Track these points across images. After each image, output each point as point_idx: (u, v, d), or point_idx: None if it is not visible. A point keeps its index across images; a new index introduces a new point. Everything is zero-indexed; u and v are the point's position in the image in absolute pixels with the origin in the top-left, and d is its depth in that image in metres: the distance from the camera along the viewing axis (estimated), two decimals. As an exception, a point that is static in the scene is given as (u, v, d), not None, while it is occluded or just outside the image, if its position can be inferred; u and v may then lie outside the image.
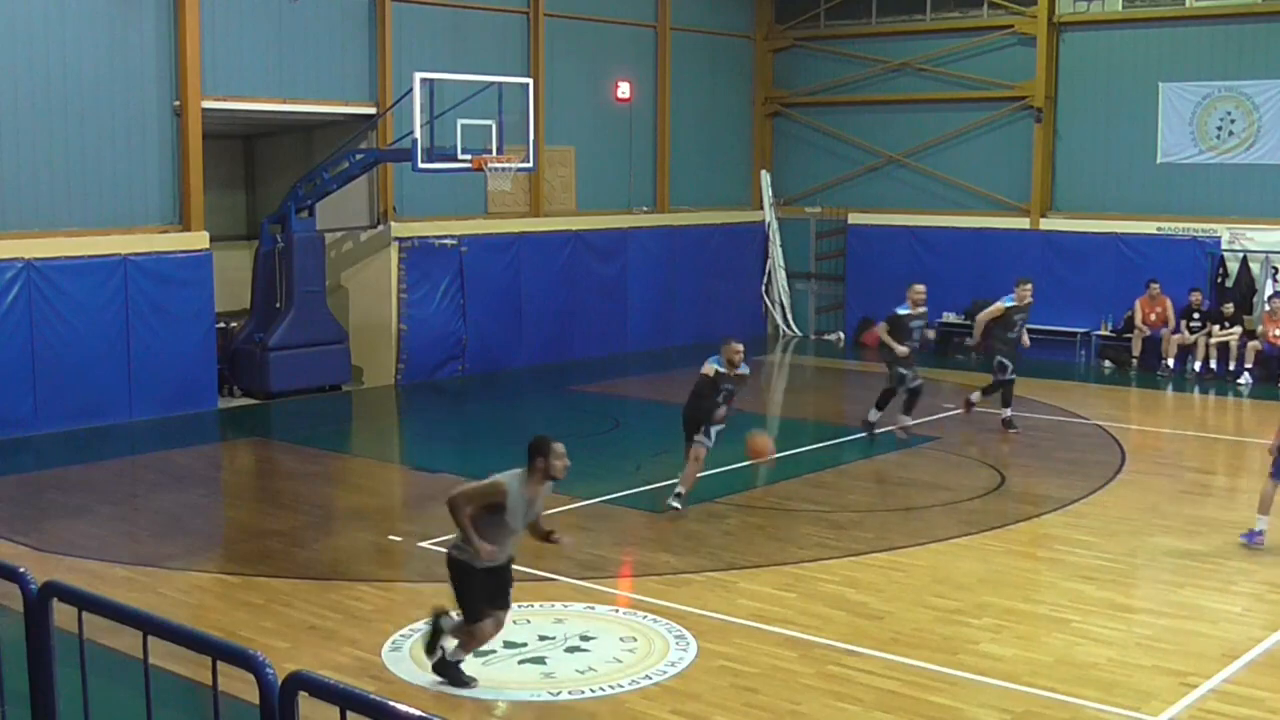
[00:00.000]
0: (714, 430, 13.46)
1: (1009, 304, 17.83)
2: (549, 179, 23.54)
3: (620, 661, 9.47)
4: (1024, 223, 25.23)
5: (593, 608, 10.58)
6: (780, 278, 27.68)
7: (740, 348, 13.47)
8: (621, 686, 8.97)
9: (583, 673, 9.25)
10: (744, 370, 13.65)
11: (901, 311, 17.11)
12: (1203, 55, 23.68)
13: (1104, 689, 8.91)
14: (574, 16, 23.85)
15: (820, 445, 17.26)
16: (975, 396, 18.14)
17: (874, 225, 26.57)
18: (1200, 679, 9.07)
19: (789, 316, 27.74)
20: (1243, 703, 8.74)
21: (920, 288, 17.59)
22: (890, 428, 17.18)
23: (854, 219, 26.92)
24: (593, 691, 8.91)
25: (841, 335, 27.04)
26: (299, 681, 3.94)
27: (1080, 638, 9.92)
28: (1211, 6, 23.51)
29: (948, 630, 10.12)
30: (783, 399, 22.81)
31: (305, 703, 3.95)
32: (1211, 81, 23.54)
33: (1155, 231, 23.65)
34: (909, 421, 17.21)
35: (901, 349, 16.88)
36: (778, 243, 27.71)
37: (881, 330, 17.41)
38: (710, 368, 13.34)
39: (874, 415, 17.15)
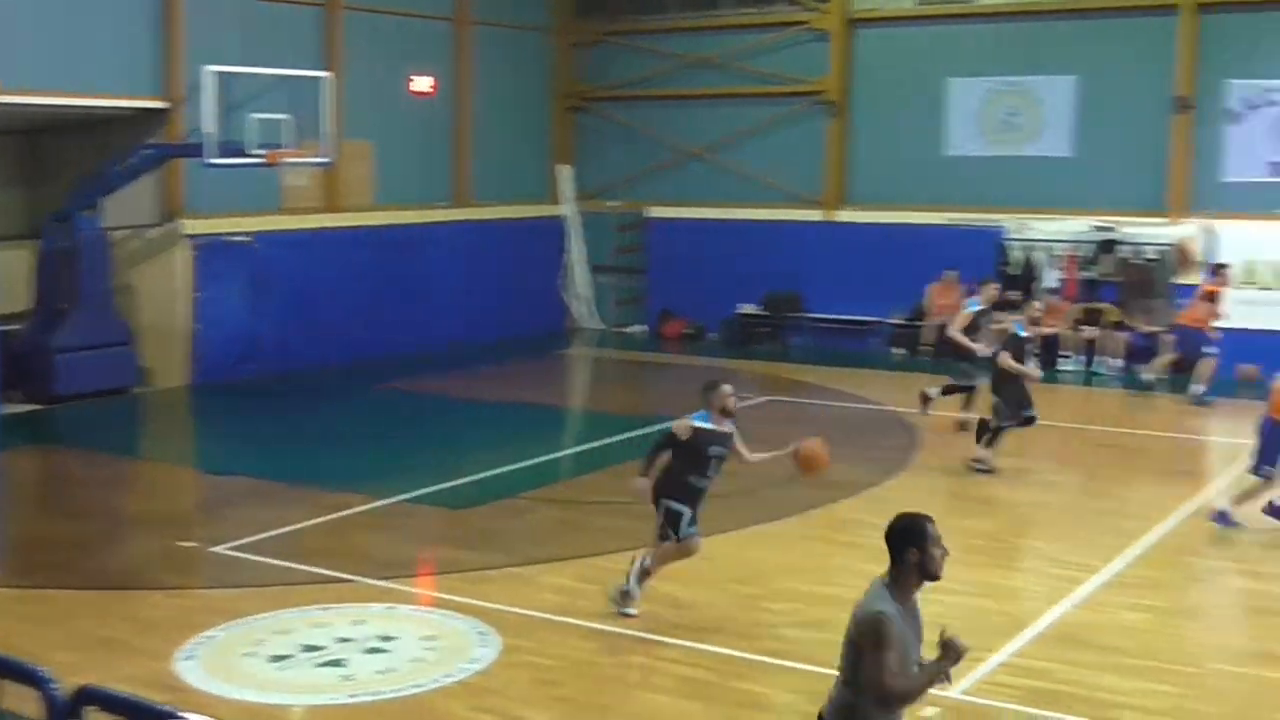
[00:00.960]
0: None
1: (976, 308, 17.48)
2: (346, 174, 23.17)
3: (422, 660, 9.37)
4: (819, 215, 25.70)
5: (393, 608, 10.45)
6: (582, 271, 27.71)
7: (732, 391, 10.38)
8: (423, 686, 8.87)
9: (383, 673, 9.13)
10: (730, 426, 10.35)
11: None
12: (989, 51, 24.42)
13: (899, 668, 9.10)
14: (372, 10, 23.50)
15: (623, 437, 17.31)
16: (933, 392, 17.72)
17: (673, 218, 26.77)
18: (990, 653, 9.34)
19: (592, 310, 27.80)
20: (1030, 674, 9.04)
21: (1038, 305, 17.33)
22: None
23: (653, 212, 27.10)
24: (393, 692, 8.80)
25: (644, 328, 27.19)
26: (87, 696, 3.81)
27: (876, 619, 10.12)
28: (997, 4, 24.26)
29: (749, 616, 10.24)
30: (586, 392, 22.87)
31: (97, 717, 3.81)
32: (997, 77, 24.28)
33: (944, 222, 24.29)
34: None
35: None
36: (578, 237, 27.74)
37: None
38: (687, 425, 10.10)
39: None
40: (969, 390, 17.25)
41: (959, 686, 8.78)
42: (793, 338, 25.43)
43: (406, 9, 24.23)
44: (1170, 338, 21.07)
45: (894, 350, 24.34)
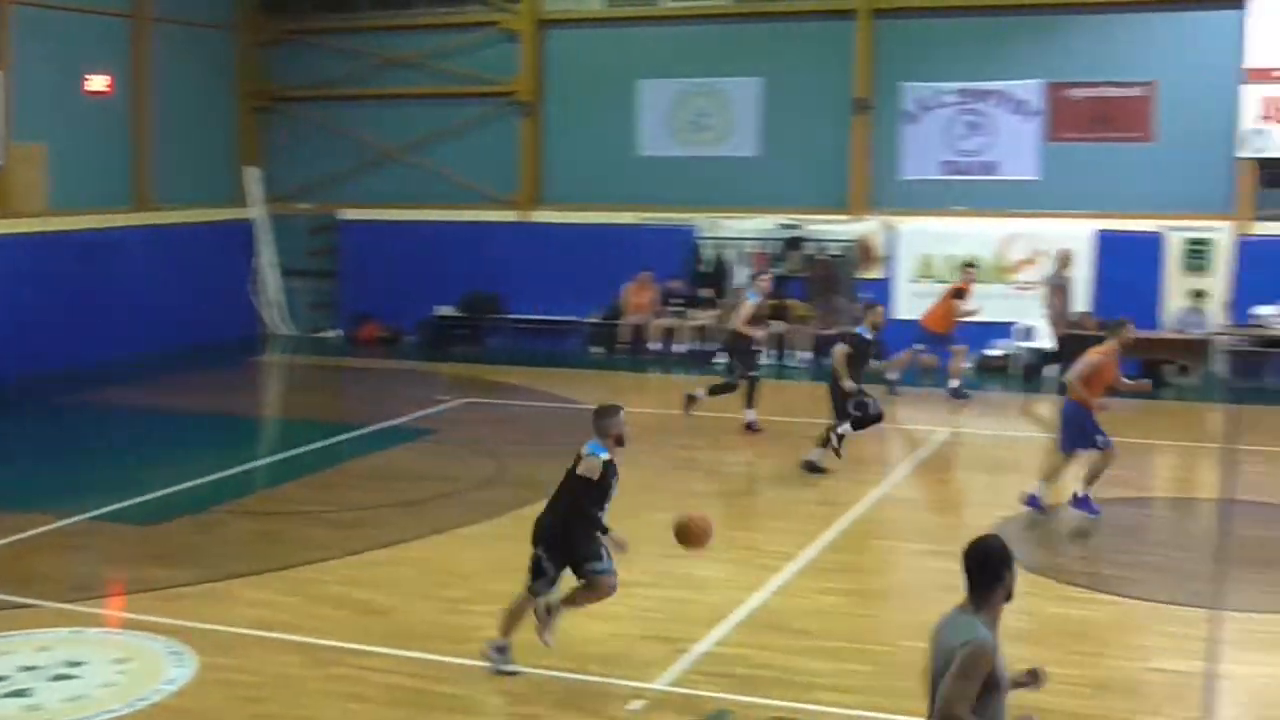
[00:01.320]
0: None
1: (756, 300, 17.59)
2: (17, 178, 21.96)
3: (114, 685, 8.95)
4: (515, 215, 25.74)
5: (80, 631, 9.95)
6: (272, 276, 27.02)
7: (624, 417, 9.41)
8: (116, 711, 8.47)
9: (73, 701, 8.68)
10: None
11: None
12: (678, 53, 24.89)
13: (604, 663, 9.18)
14: (44, 5, 22.36)
15: (320, 444, 16.95)
16: (699, 393, 17.72)
17: (367, 220, 26.38)
18: (692, 643, 9.50)
19: (284, 315, 27.14)
20: (731, 662, 9.23)
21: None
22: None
23: (346, 215, 26.65)
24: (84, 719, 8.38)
25: (339, 332, 26.70)
26: None
27: (581, 615, 10.15)
28: (686, 7, 24.73)
29: (454, 620, 10.15)
30: (280, 400, 22.32)
31: None
32: (686, 78, 24.77)
33: (638, 222, 24.64)
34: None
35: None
36: (268, 240, 27.03)
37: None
38: (597, 464, 9.09)
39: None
40: (733, 388, 17.46)
41: (663, 678, 8.91)
42: (491, 339, 25.40)
43: (81, 5, 23.15)
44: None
45: (592, 349, 24.56)
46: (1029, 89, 22.90)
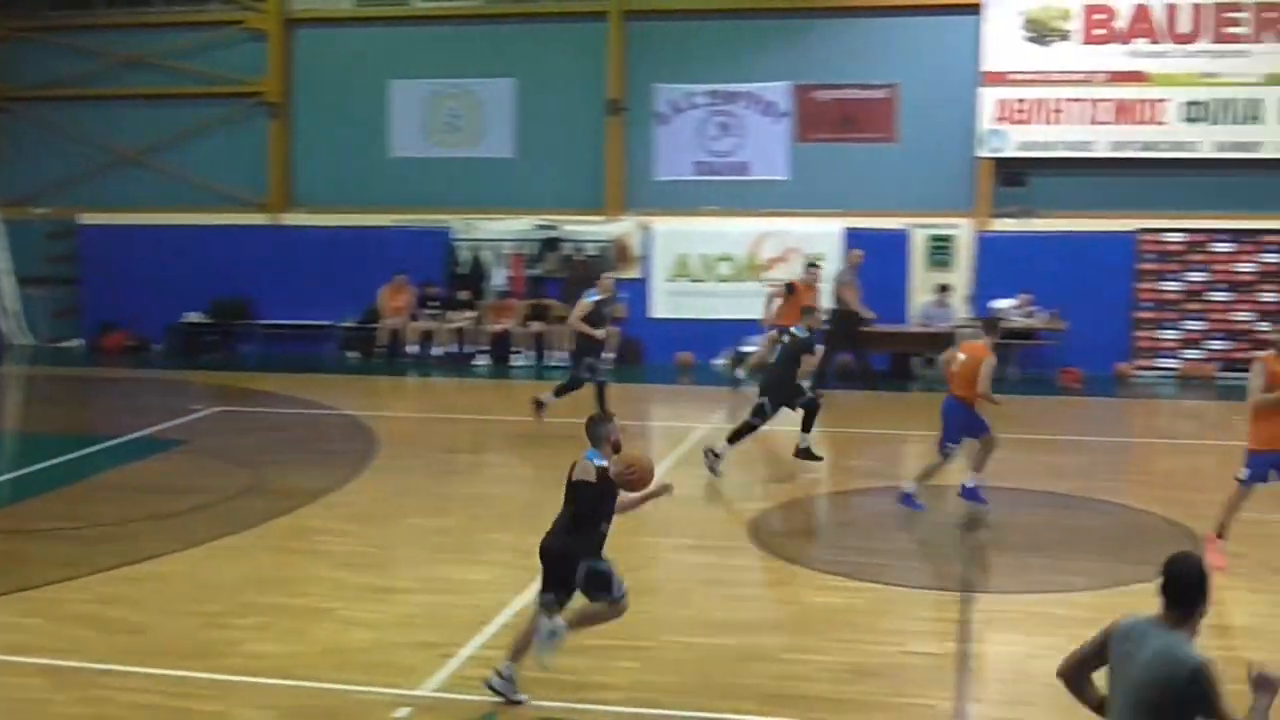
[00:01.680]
0: None
1: (595, 298, 17.29)
2: None
3: None
4: (265, 219, 25.15)
5: None
6: (8, 284, 25.79)
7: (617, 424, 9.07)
8: None
9: None
10: None
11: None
12: (430, 54, 24.68)
13: (368, 671, 9.00)
14: None
15: (64, 458, 16.24)
16: (546, 397, 17.14)
17: (109, 225, 25.42)
18: (458, 647, 9.39)
19: (22, 325, 25.94)
20: (496, 664, 9.14)
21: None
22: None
23: (86, 219, 25.64)
24: None
25: (81, 341, 25.66)
26: None
27: (344, 624, 9.97)
28: (437, 8, 24.53)
29: (211, 635, 9.82)
30: (19, 413, 21.33)
31: None
32: (439, 79, 24.57)
33: (392, 224, 24.34)
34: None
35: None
36: (1, 247, 25.79)
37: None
38: (589, 464, 8.69)
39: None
40: (579, 386, 17.14)
41: (428, 684, 8.78)
42: (243, 346, 24.76)
43: None
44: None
45: (349, 354, 24.16)
46: (777, 91, 23.39)
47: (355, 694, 8.65)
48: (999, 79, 22.39)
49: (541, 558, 8.66)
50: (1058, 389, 20.98)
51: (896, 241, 22.68)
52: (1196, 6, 21.94)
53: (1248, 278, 22.02)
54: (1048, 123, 22.41)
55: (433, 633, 9.79)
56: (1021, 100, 22.41)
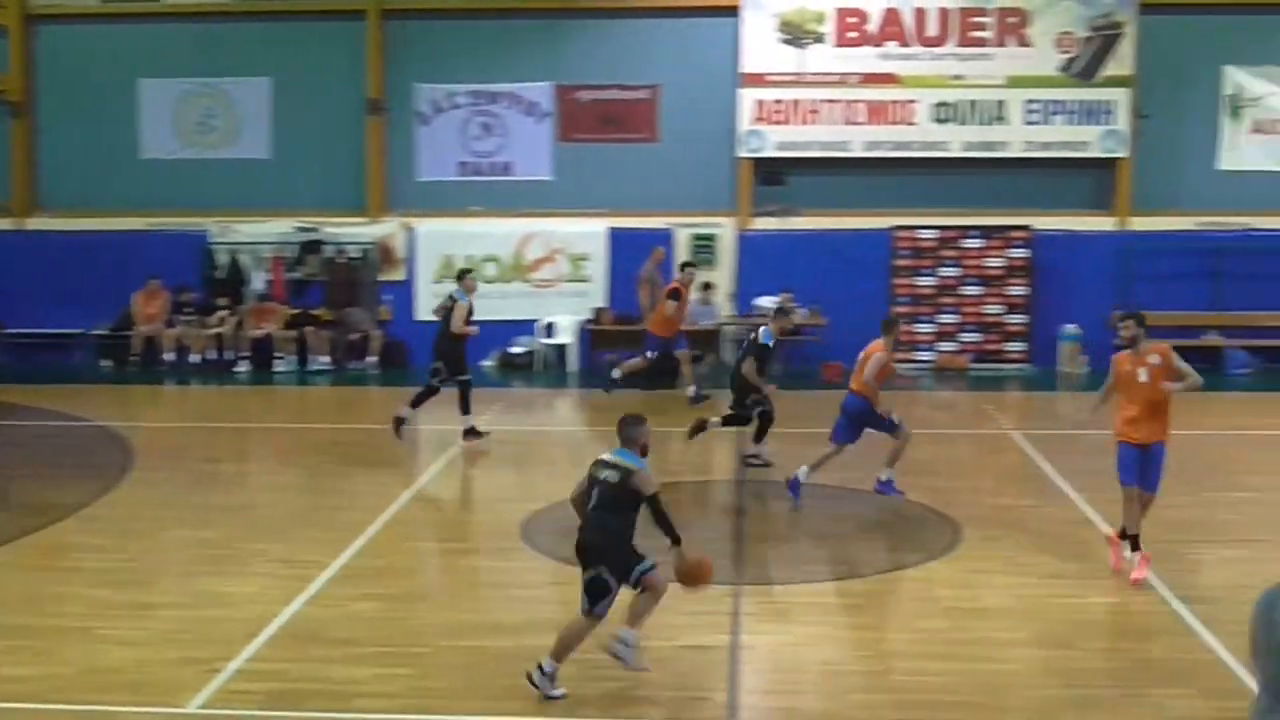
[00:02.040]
0: None
1: (467, 302, 16.75)
2: None
3: None
4: (9, 223, 24.10)
5: None
6: None
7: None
8: None
9: None
10: None
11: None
12: (182, 52, 23.98)
13: (132, 690, 8.67)
14: None
15: None
16: (406, 413, 16.57)
17: None
18: (225, 662, 9.12)
19: None
20: (267, 677, 8.92)
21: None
22: None
23: None
24: None
25: None
26: None
27: (104, 643, 9.59)
28: (188, 5, 23.84)
29: (-41, 660, 9.34)
30: None
31: None
32: (191, 78, 23.87)
33: (145, 227, 23.58)
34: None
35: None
36: None
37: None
38: (648, 474, 8.84)
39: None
40: (434, 392, 16.78)
41: (195, 701, 8.51)
42: (-13, 356, 23.67)
43: None
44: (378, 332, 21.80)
45: (102, 362, 23.30)
46: (539, 91, 23.41)
47: (118, 714, 8.33)
48: (757, 80, 22.81)
49: (594, 560, 8.74)
50: (820, 383, 21.44)
51: (660, 241, 22.88)
52: (943, 11, 22.72)
53: (997, 272, 22.89)
54: (804, 123, 22.92)
55: (199, 648, 9.48)
56: (779, 101, 22.88)
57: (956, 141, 22.96)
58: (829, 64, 22.86)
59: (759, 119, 22.88)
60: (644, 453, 9.00)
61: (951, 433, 18.14)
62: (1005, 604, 10.69)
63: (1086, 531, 12.75)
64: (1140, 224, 23.06)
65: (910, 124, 22.90)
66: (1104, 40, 22.77)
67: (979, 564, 11.80)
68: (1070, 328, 22.58)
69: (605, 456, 8.92)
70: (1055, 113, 22.88)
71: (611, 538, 8.74)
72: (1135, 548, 11.16)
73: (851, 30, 22.85)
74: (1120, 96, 22.80)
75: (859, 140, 22.97)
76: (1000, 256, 22.86)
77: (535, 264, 23.23)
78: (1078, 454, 16.09)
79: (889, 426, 14.00)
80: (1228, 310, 22.40)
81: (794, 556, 12.02)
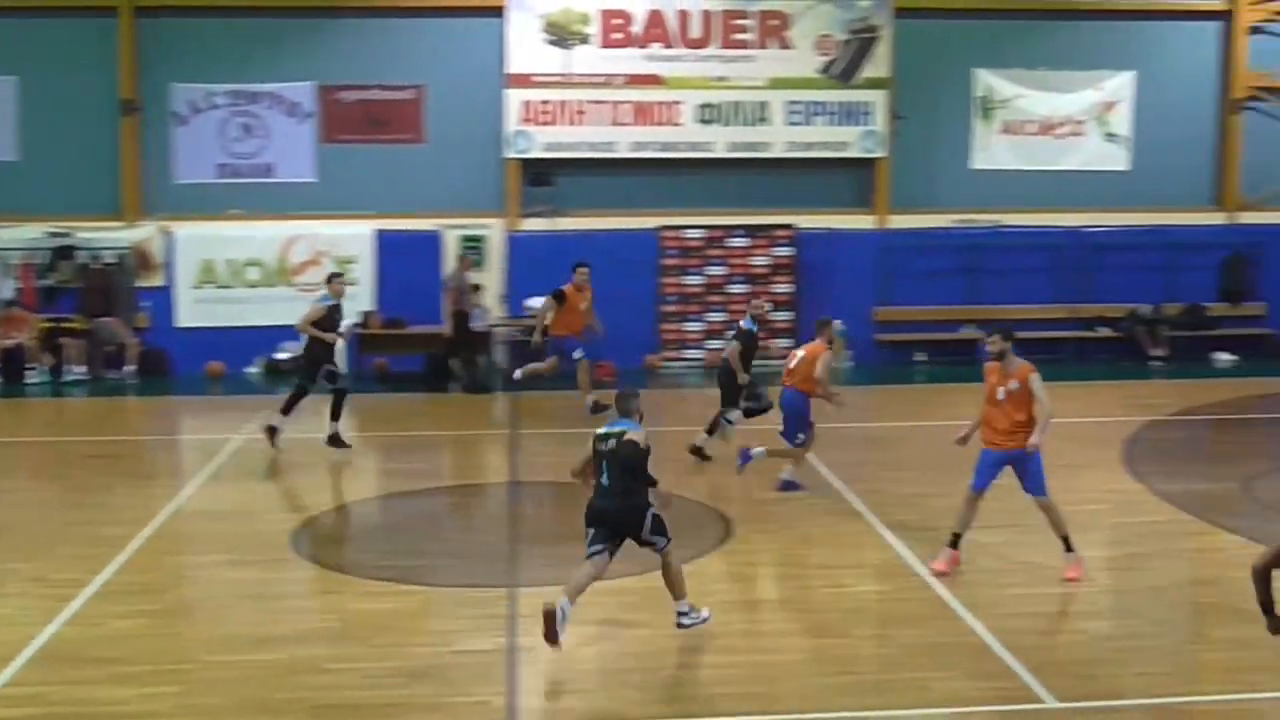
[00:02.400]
0: None
1: (329, 303, 16.25)
2: None
3: None
4: None
5: None
6: None
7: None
8: None
9: None
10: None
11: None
12: None
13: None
14: None
15: None
16: (277, 420, 16.18)
17: None
18: (-23, 689, 8.71)
19: None
20: (25, 702, 8.55)
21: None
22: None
23: None
24: None
25: None
26: None
27: None
28: None
29: None
30: None
31: None
32: None
33: None
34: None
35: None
36: None
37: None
38: (641, 436, 9.93)
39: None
40: (303, 395, 16.34)
41: (-54, 731, 8.10)
42: None
43: None
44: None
45: None
46: (301, 91, 22.93)
47: None
48: (523, 81, 22.76)
49: (600, 521, 9.78)
50: (591, 383, 21.51)
51: (428, 243, 22.70)
52: (706, 14, 23.01)
53: (762, 270, 23.28)
54: (571, 124, 22.96)
55: (-54, 675, 9.02)
56: (546, 102, 22.87)
57: (721, 142, 23.29)
58: (595, 65, 22.94)
59: (526, 120, 22.83)
60: (641, 419, 10.06)
61: (722, 429, 18.37)
62: (777, 595, 10.89)
63: (855, 523, 13.06)
64: (899, 222, 23.74)
65: (676, 125, 23.14)
66: (861, 43, 23.37)
67: (751, 557, 12.00)
68: (834, 324, 23.11)
69: (605, 429, 9.94)
70: (816, 114, 23.40)
71: (632, 500, 9.75)
72: (954, 545, 11.45)
73: (616, 32, 22.97)
74: (878, 98, 23.44)
75: (625, 141, 23.11)
76: (765, 255, 23.26)
77: (300, 267, 22.74)
78: (845, 448, 16.48)
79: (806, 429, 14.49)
80: (983, 304, 23.21)
81: (569, 557, 11.97)
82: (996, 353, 11.37)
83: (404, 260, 22.46)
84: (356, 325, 21.64)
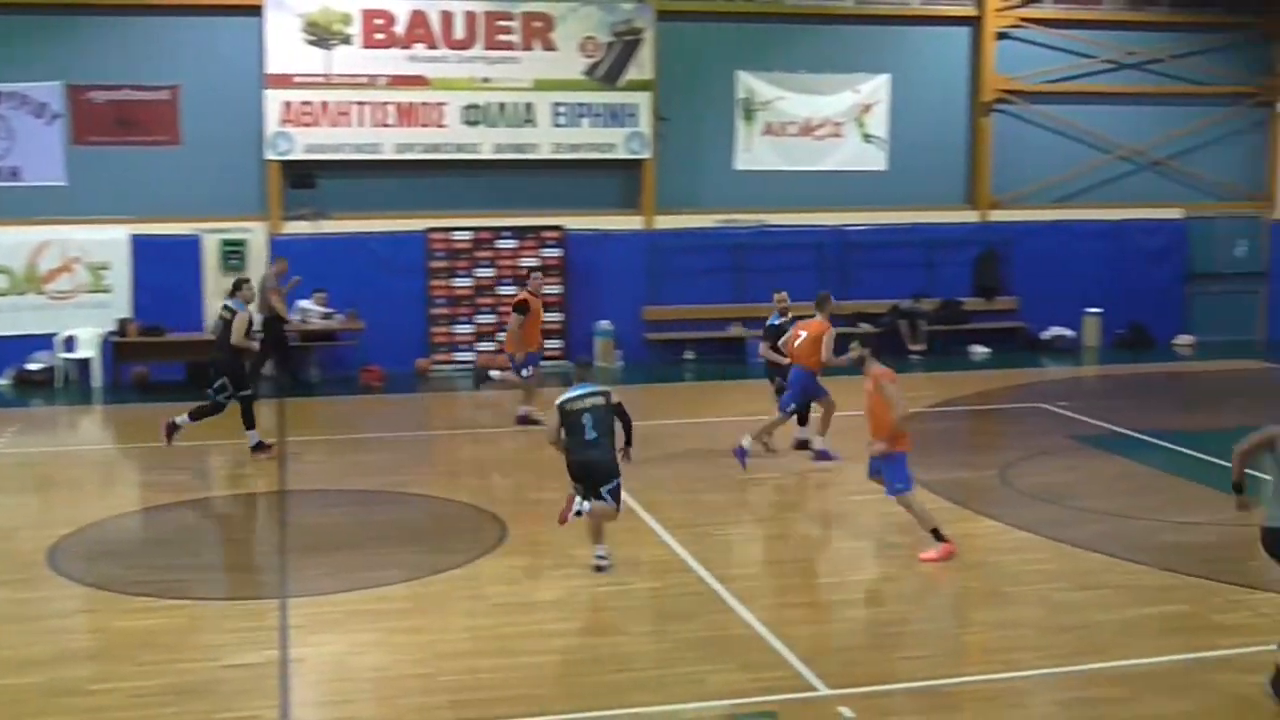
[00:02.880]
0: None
1: (245, 310, 15.79)
2: None
3: None
4: None
5: None
6: None
7: None
8: None
9: None
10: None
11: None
12: None
13: None
14: None
15: None
16: (181, 420, 15.82)
17: None
18: None
19: None
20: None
21: None
22: None
23: None
24: None
25: None
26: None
27: None
28: None
29: None
30: None
31: None
32: None
33: None
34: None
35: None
36: None
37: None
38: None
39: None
40: (220, 409, 15.87)
41: None
42: None
43: None
44: None
45: None
46: (48, 91, 22.01)
47: None
48: (284, 81, 22.27)
49: (587, 472, 11.23)
50: (360, 388, 21.22)
51: (188, 247, 22.05)
52: (470, 15, 22.86)
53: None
54: (334, 125, 22.56)
55: None
56: (307, 103, 22.42)
57: (487, 144, 23.17)
58: (357, 65, 22.58)
59: (287, 121, 22.34)
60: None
61: (495, 431, 18.30)
62: (553, 596, 10.87)
63: (628, 520, 13.12)
64: (665, 222, 23.98)
65: (441, 126, 22.93)
66: (625, 45, 23.53)
67: (526, 559, 11.96)
68: (604, 324, 23.25)
69: (575, 393, 11.33)
70: (582, 115, 23.47)
71: (612, 452, 11.29)
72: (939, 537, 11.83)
73: (379, 32, 22.65)
74: (642, 100, 23.62)
75: (390, 142, 22.81)
76: (534, 257, 23.23)
77: (51, 274, 21.83)
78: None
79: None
80: (749, 303, 23.64)
81: (340, 565, 11.80)
82: (856, 359, 11.80)
83: (161, 265, 21.79)
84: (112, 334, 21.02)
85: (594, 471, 11.19)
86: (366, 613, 10.45)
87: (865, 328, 23.93)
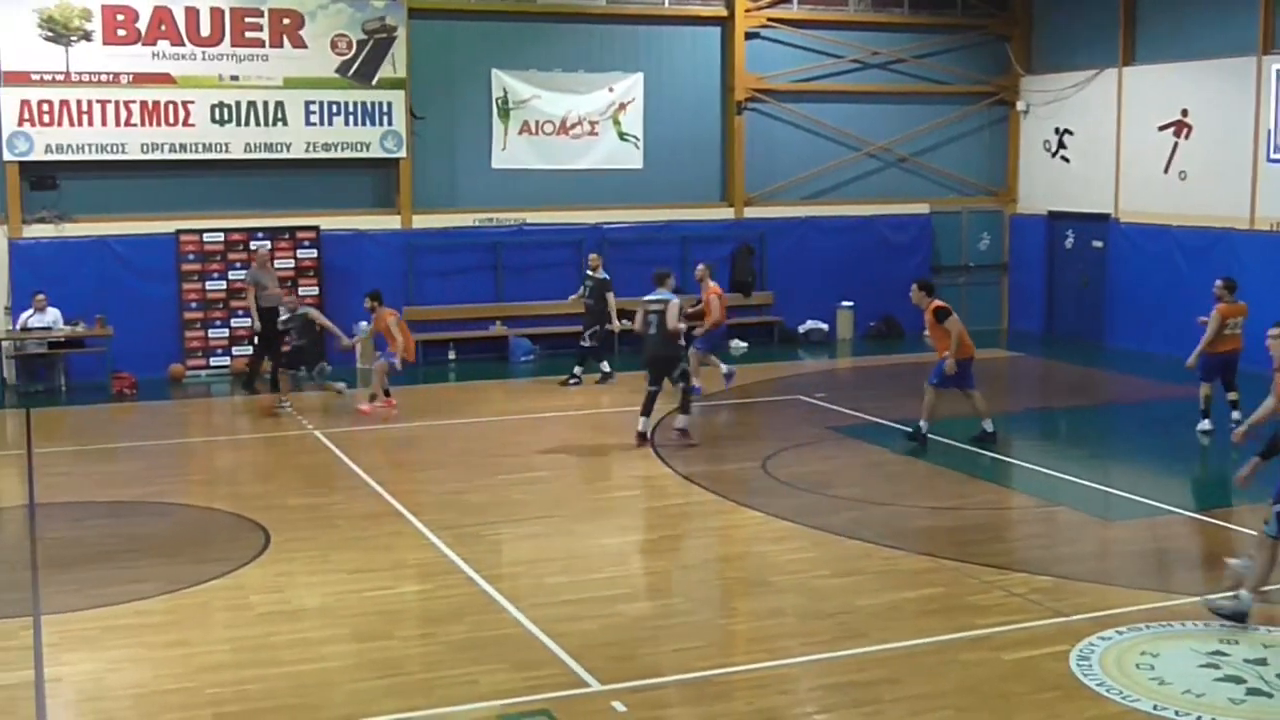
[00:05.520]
0: None
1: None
2: None
3: None
4: None
5: None
6: None
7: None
8: None
9: None
10: None
11: None
12: None
13: None
14: None
15: None
16: None
17: None
18: None
19: None
20: None
21: None
22: None
23: None
24: None
25: None
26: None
27: None
28: None
29: None
30: None
31: None
32: None
33: None
34: None
35: None
36: None
37: None
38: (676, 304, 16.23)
39: None
40: None
41: None
42: None
43: None
44: None
45: None
46: None
47: None
48: (21, 79, 21.36)
49: (653, 363, 16.03)
50: (110, 396, 20.51)
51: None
52: (215, 11, 22.25)
53: (287, 273, 22.76)
54: (75, 125, 21.72)
55: None
56: (45, 102, 21.55)
57: (237, 143, 22.59)
58: (99, 63, 21.79)
59: (24, 120, 21.41)
60: (676, 291, 16.10)
61: (254, 437, 17.91)
62: (319, 603, 10.71)
63: (393, 523, 13.03)
64: (423, 221, 23.78)
65: (189, 125, 22.27)
66: (377, 43, 23.25)
67: (289, 566, 11.75)
68: (362, 325, 22.94)
69: (650, 297, 15.92)
70: (335, 114, 23.09)
71: (672, 349, 15.72)
72: None
73: (121, 28, 21.86)
74: (396, 98, 23.37)
75: (135, 142, 22.04)
76: (289, 257, 22.79)
77: None
78: (381, 449, 16.43)
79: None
80: (509, 301, 23.60)
81: (94, 580, 11.39)
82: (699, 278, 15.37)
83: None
84: None
85: (655, 363, 16.07)
86: (123, 628, 10.12)
87: (624, 324, 24.22)
